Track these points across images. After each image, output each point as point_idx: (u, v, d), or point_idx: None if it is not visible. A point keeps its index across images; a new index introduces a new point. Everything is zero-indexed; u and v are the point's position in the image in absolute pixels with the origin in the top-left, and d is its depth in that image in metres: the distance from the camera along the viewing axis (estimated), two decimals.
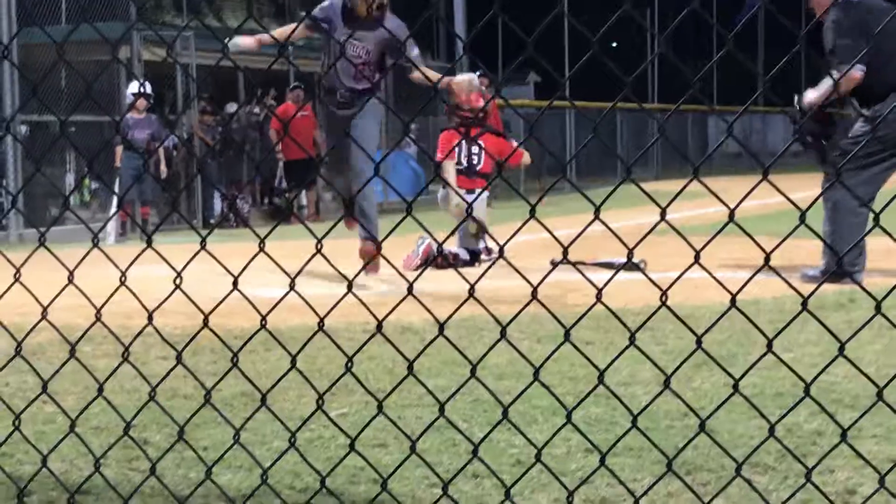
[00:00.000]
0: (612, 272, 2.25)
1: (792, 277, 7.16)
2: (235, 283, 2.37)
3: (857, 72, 8.21)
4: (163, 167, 16.82)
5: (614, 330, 5.97)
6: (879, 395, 2.05)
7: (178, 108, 19.51)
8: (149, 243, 2.55)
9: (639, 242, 2.29)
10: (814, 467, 2.32)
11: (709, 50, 37.50)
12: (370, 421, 2.70)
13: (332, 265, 2.59)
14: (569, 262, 2.19)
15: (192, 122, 19.59)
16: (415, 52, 8.94)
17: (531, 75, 34.97)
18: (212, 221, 18.57)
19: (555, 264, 2.22)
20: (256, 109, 20.42)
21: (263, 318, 2.32)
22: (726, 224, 2.08)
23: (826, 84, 8.63)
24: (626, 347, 2.18)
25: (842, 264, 8.18)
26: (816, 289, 2.22)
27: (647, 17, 38.34)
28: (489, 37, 37.34)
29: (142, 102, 16.04)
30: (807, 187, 7.28)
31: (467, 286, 2.17)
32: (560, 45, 33.55)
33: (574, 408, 2.37)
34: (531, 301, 2.13)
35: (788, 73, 39.93)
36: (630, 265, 8.41)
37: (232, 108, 20.29)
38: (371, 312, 2.37)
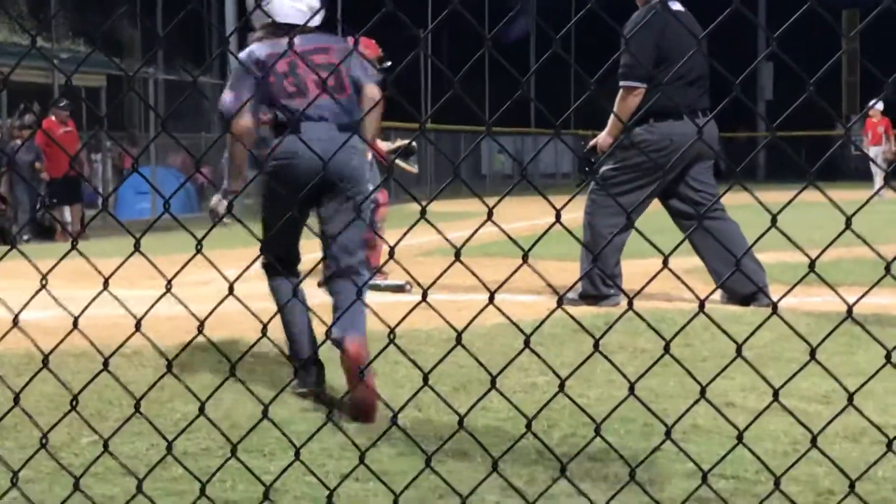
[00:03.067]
0: (382, 294, 2.25)
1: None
2: None
3: (640, 89, 8.22)
4: None
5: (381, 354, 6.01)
6: (597, 430, 2.09)
7: None
8: None
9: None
10: (541, 494, 2.36)
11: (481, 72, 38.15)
12: (98, 457, 2.65)
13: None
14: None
15: None
16: None
17: None
18: None
19: (320, 286, 2.22)
20: (18, 123, 19.86)
21: None
22: (520, 266, 2.11)
23: (611, 121, 8.63)
24: (357, 385, 2.18)
25: (598, 288, 8.36)
26: (545, 319, 2.27)
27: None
28: None
29: None
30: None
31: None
32: None
33: (304, 444, 2.36)
34: (197, 335, 2.11)
35: (560, 97, 40.89)
36: (396, 287, 8.47)
37: None
38: (94, 346, 2.33)
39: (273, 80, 5.80)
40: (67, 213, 19.81)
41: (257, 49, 5.90)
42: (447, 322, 2.18)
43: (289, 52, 5.57)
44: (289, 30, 5.94)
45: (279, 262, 5.63)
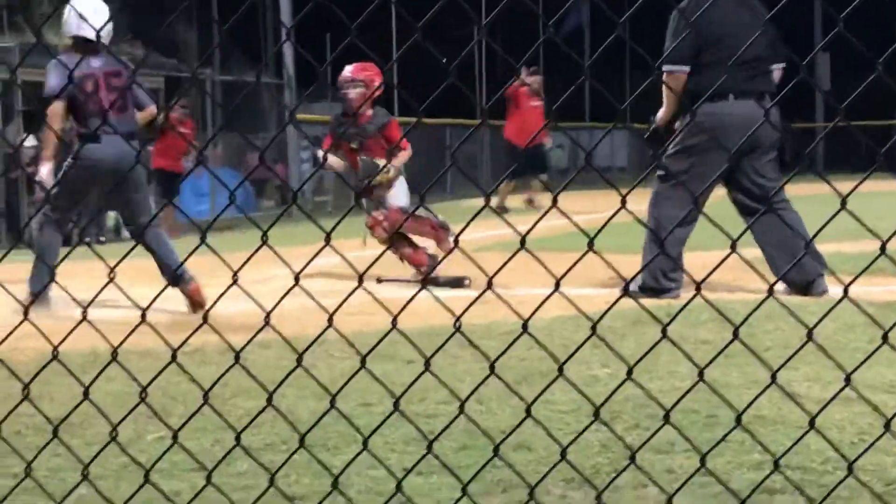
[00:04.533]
0: (443, 288, 2.25)
1: (615, 294, 7.30)
2: (26, 311, 2.31)
3: (679, 72, 8.11)
4: None
5: (432, 349, 6.04)
6: (665, 418, 2.08)
7: None
8: None
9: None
10: (606, 486, 2.36)
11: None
12: (169, 448, 2.67)
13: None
14: (388, 280, 2.17)
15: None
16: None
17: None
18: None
19: (379, 281, 2.23)
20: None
21: (55, 347, 2.27)
22: (585, 253, 2.10)
23: (664, 106, 8.61)
24: (422, 373, 2.18)
25: (659, 281, 8.33)
26: (608, 310, 2.27)
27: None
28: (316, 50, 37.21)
29: None
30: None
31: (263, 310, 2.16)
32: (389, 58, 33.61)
33: (371, 433, 2.36)
34: (327, 328, 2.11)
35: (613, 91, 40.67)
36: (455, 281, 8.48)
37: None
38: (162, 338, 2.35)
39: (82, 98, 8.49)
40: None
41: (69, 61, 8.38)
42: (514, 311, 2.18)
43: (95, 74, 8.61)
44: (85, 45, 8.52)
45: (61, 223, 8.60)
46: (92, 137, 8.55)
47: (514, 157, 19.59)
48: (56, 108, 8.45)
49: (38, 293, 7.37)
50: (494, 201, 17.24)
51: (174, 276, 7.68)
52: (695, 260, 7.95)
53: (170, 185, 19.39)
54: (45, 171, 8.65)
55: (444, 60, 2.34)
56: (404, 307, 2.20)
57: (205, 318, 2.10)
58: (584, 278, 7.53)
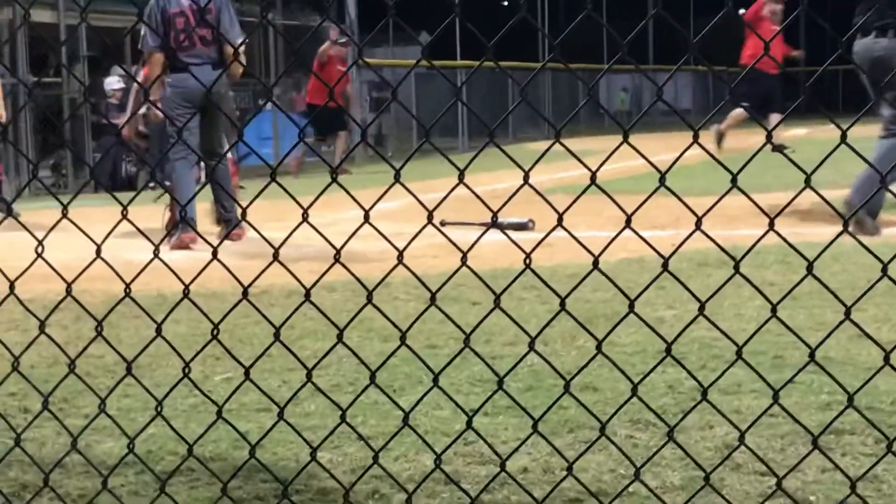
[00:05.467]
0: (501, 231, 2.23)
1: (679, 235, 7.26)
2: (98, 250, 2.33)
3: None
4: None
5: (506, 291, 6.05)
6: (738, 354, 2.07)
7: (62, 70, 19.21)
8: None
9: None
10: (675, 425, 2.35)
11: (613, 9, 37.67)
12: (239, 386, 2.69)
13: (199, 234, 2.57)
14: (450, 224, 2.17)
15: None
16: None
17: (422, 35, 34.92)
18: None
19: (442, 225, 2.23)
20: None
21: (128, 285, 2.29)
22: (656, 189, 2.08)
23: None
24: (492, 310, 2.17)
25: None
26: (678, 248, 2.26)
27: None
28: None
29: None
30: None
31: (340, 249, 2.16)
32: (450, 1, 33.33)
33: (441, 370, 2.37)
34: (396, 266, 2.11)
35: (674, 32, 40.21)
36: (519, 225, 8.48)
37: (120, 70, 20.05)
38: (235, 277, 2.36)
39: (173, 34, 9.71)
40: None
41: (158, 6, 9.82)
42: (586, 248, 2.16)
43: (185, 10, 9.83)
44: None
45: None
46: (181, 68, 9.72)
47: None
48: (157, 59, 9.89)
49: (176, 226, 8.93)
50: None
51: (224, 216, 9.72)
52: (760, 202, 7.89)
53: (323, 121, 19.22)
54: (154, 112, 10.66)
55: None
56: (472, 246, 2.19)
57: (275, 257, 2.11)
58: (646, 220, 7.47)
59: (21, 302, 2.90)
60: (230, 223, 9.46)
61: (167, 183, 10.14)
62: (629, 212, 2.04)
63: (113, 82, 19.79)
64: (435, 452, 2.44)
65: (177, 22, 9.83)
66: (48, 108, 19.38)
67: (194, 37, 9.79)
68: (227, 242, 6.53)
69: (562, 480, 2.86)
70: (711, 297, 2.17)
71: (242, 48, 9.91)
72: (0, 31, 16.97)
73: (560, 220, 1.90)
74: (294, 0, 27.33)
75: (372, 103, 27.57)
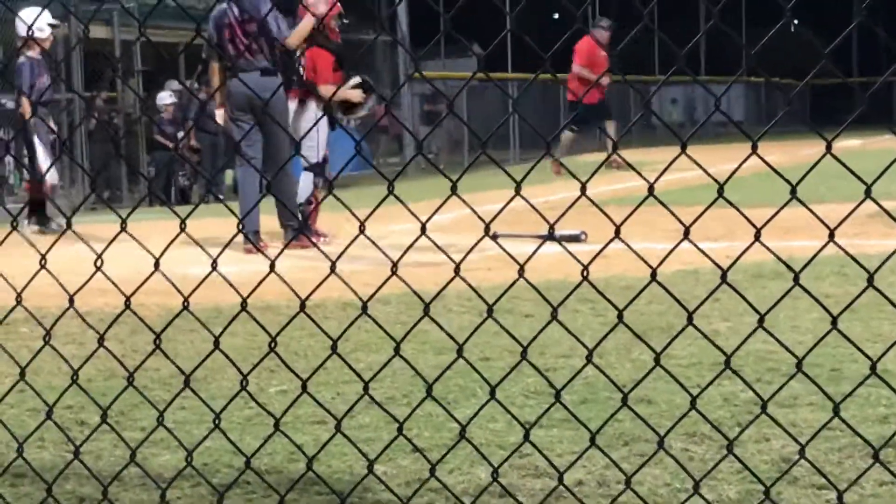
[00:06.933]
0: (555, 244, 2.23)
1: (733, 247, 7.21)
2: (157, 263, 2.35)
3: None
4: None
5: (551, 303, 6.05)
6: (798, 366, 2.05)
7: (118, 84, 19.39)
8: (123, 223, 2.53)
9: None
10: (734, 439, 2.34)
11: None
12: (296, 399, 2.70)
13: (256, 245, 2.58)
14: (503, 236, 2.17)
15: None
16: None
17: (475, 47, 34.91)
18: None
19: (495, 237, 2.23)
20: (196, 86, 20.31)
21: (186, 298, 2.30)
22: (715, 200, 2.07)
23: None
24: (549, 322, 2.17)
25: None
26: (737, 260, 2.24)
27: None
28: (428, 8, 37.11)
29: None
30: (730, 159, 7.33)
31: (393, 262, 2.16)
32: (502, 14, 33.31)
33: (498, 383, 2.36)
34: (454, 278, 2.11)
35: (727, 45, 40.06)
36: (571, 237, 8.44)
37: (173, 85, 20.21)
38: (292, 290, 2.37)
39: (225, 44, 10.14)
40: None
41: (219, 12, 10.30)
42: (643, 260, 2.15)
43: (231, 22, 10.20)
44: None
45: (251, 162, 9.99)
46: (232, 76, 10.40)
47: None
48: (213, 68, 10.65)
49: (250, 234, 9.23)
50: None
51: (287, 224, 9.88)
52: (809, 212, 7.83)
53: (588, 115, 19.07)
54: (220, 115, 10.69)
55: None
56: (529, 259, 2.19)
57: (332, 269, 2.11)
58: (700, 232, 7.44)
59: (80, 315, 2.93)
60: (288, 232, 9.76)
61: (220, 196, 10.31)
62: (685, 223, 2.03)
63: (165, 97, 19.96)
64: (492, 465, 2.44)
65: (225, 32, 10.28)
66: (105, 123, 19.52)
67: (241, 46, 10.19)
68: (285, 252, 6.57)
69: (620, 494, 2.85)
70: (771, 309, 2.15)
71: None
72: (56, 47, 17.15)
73: (617, 231, 1.90)
74: (348, 14, 27.41)
75: (423, 116, 27.59)
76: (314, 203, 10.03)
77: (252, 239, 9.20)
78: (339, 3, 10.74)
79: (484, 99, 28.32)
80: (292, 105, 10.47)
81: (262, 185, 10.06)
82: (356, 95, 10.56)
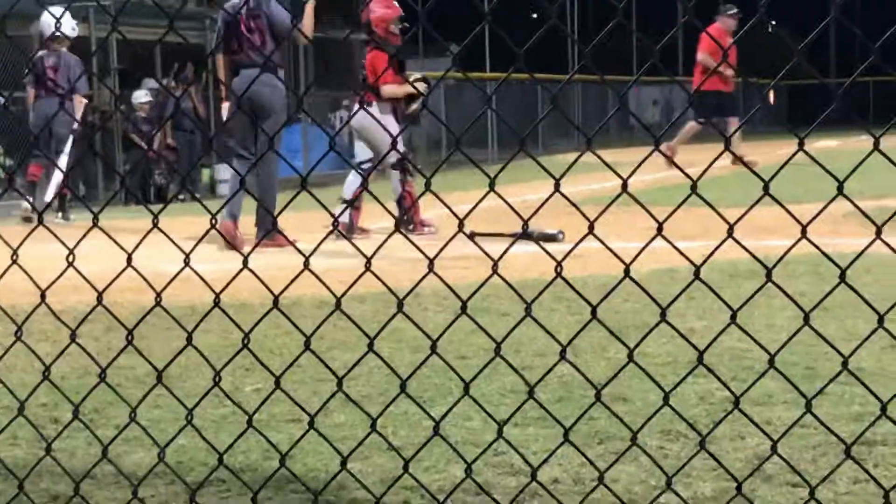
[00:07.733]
0: (533, 244, 2.23)
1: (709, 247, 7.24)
2: (129, 258, 2.34)
3: None
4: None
5: (536, 301, 6.06)
6: (771, 362, 2.06)
7: (93, 81, 19.31)
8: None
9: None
10: (707, 434, 2.34)
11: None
12: (269, 396, 2.70)
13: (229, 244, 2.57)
14: (480, 235, 2.16)
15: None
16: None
17: (452, 46, 34.93)
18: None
19: (471, 236, 2.22)
20: (173, 84, 20.24)
21: (158, 294, 2.29)
22: (688, 196, 2.08)
23: None
24: (523, 319, 2.17)
25: None
26: (709, 256, 2.25)
27: None
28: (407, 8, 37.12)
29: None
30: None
31: (368, 259, 2.16)
32: (477, 15, 33.35)
33: (472, 380, 2.36)
34: (427, 274, 2.11)
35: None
36: (548, 236, 8.46)
37: (149, 83, 20.14)
38: (266, 287, 2.36)
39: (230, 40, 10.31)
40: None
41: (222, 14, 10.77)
42: (617, 256, 2.15)
43: (238, 18, 10.43)
44: None
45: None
46: (234, 72, 10.51)
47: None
48: (219, 61, 10.77)
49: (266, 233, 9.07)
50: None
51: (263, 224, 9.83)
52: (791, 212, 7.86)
53: (716, 105, 18.09)
54: (224, 108, 11.51)
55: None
56: (502, 256, 2.19)
57: (305, 266, 2.11)
58: (676, 231, 7.45)
59: (53, 312, 2.91)
60: (260, 230, 9.82)
61: (197, 195, 10.39)
62: (659, 221, 2.03)
63: (141, 95, 19.90)
64: (466, 462, 2.44)
65: (231, 28, 10.58)
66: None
67: (244, 42, 10.40)
68: (257, 252, 6.55)
69: (592, 490, 2.85)
70: (743, 306, 2.16)
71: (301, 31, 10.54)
72: (31, 44, 17.04)
73: (591, 228, 1.90)
74: (325, 13, 27.38)
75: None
76: (409, 197, 10.31)
77: (232, 221, 9.79)
78: (398, 7, 11.20)
79: (462, 99, 28.34)
80: (354, 108, 10.95)
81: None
82: (421, 87, 11.09)
